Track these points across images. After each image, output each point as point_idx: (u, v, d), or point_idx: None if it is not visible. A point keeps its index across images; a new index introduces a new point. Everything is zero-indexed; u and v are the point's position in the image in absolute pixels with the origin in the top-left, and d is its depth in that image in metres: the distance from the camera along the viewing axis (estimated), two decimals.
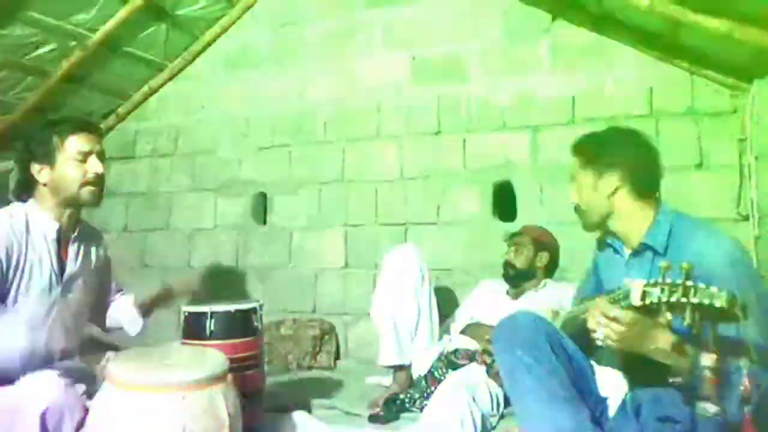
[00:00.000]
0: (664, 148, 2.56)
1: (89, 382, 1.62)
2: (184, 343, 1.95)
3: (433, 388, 2.08)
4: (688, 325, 1.15)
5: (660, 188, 1.54)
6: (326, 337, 3.09)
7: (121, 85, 3.64)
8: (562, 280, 2.48)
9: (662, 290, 1.15)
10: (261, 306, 2.06)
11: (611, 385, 1.54)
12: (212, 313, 1.93)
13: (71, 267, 1.81)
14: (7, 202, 1.80)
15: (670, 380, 1.28)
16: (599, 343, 1.31)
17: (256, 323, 2.02)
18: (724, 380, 1.18)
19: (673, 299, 1.14)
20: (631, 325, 1.24)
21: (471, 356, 2.14)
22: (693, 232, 1.41)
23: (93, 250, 1.93)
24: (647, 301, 1.17)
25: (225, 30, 3.57)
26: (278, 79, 3.45)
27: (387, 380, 2.42)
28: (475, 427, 1.81)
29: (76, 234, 1.83)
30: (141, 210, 3.73)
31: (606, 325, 1.27)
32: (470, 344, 2.22)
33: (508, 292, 2.44)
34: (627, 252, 1.53)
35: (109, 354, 1.69)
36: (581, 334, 1.47)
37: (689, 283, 1.14)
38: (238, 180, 3.51)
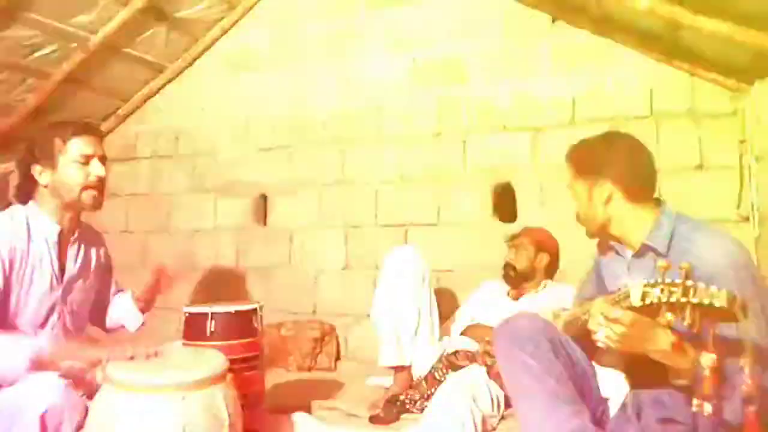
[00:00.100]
0: (664, 149, 2.63)
1: (89, 382, 1.62)
2: (184, 344, 1.95)
3: (433, 389, 2.08)
4: (688, 325, 1.15)
5: (656, 190, 1.53)
6: (326, 338, 3.09)
7: (122, 86, 3.64)
8: (563, 281, 2.48)
9: (662, 290, 1.15)
10: (261, 307, 2.06)
11: (612, 385, 1.54)
12: (212, 314, 1.93)
13: (71, 269, 1.82)
14: (8, 204, 1.80)
15: (673, 382, 1.28)
16: (600, 344, 1.31)
17: (256, 324, 2.02)
18: (724, 380, 1.18)
19: (673, 299, 1.15)
20: (631, 326, 1.24)
21: (471, 357, 2.14)
22: (694, 234, 1.41)
23: (93, 251, 1.94)
24: (647, 301, 1.17)
25: (225, 31, 3.58)
26: (278, 80, 3.46)
27: (387, 381, 2.42)
28: (476, 428, 1.81)
29: (76, 236, 1.84)
30: (141, 211, 3.73)
31: (607, 326, 1.27)
32: (471, 345, 2.22)
33: (508, 294, 2.45)
34: (629, 253, 1.53)
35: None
36: (582, 335, 1.47)
37: (689, 283, 1.14)
38: (239, 181, 3.51)
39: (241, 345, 1.94)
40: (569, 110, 2.87)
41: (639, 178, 1.50)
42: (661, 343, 1.25)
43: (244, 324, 1.98)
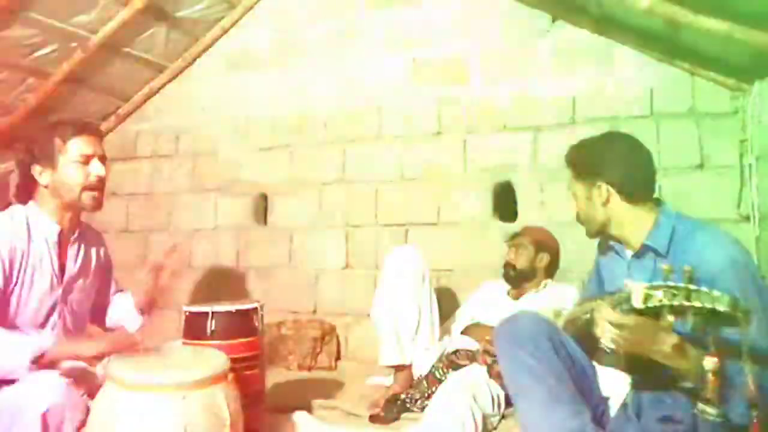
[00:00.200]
0: (664, 148, 2.63)
1: (90, 381, 1.62)
2: (184, 343, 1.95)
3: (434, 389, 2.08)
4: (690, 329, 1.15)
5: (656, 190, 1.54)
6: (327, 337, 3.09)
7: (122, 86, 3.64)
8: (563, 280, 2.48)
9: (664, 293, 1.15)
10: (262, 306, 2.06)
11: (612, 385, 1.55)
12: (213, 313, 1.93)
13: (71, 268, 1.82)
14: (8, 204, 1.80)
15: (678, 384, 1.27)
16: (607, 350, 1.30)
17: (256, 323, 2.02)
18: (727, 383, 1.18)
19: (675, 303, 1.14)
20: (637, 330, 1.23)
21: (472, 357, 2.14)
22: (695, 234, 1.41)
23: (93, 251, 1.94)
24: (649, 304, 1.17)
25: (226, 31, 3.57)
26: (279, 79, 3.45)
27: (388, 381, 2.42)
28: (476, 428, 1.81)
29: (76, 235, 1.84)
30: (141, 210, 3.73)
31: (611, 332, 1.25)
32: (471, 345, 2.22)
33: (508, 293, 2.45)
34: (628, 254, 1.53)
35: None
36: (583, 335, 1.47)
37: (692, 286, 1.13)
38: (239, 180, 3.51)
39: (242, 344, 1.94)
40: (569, 110, 2.87)
41: (637, 179, 1.50)
42: (663, 344, 1.24)
43: (244, 323, 1.98)
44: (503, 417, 1.98)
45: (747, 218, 2.53)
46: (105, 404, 1.42)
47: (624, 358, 1.44)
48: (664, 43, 2.63)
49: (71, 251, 1.82)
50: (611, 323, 1.25)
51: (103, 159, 1.79)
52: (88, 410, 1.47)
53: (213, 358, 1.60)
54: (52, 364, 1.52)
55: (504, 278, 2.44)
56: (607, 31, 2.80)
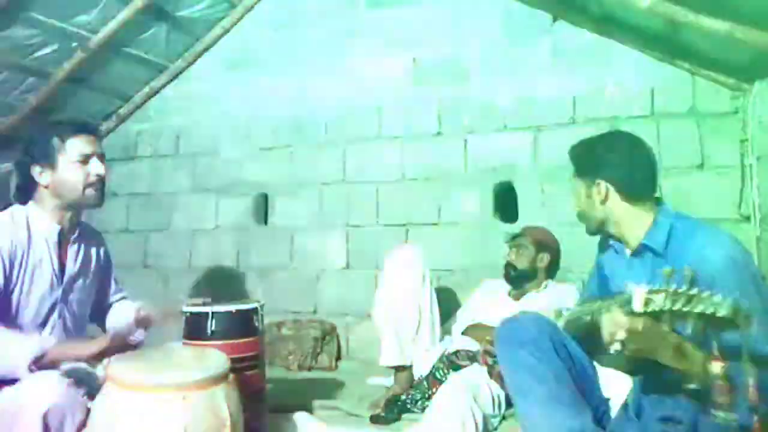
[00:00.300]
0: (665, 149, 2.63)
1: (91, 382, 1.62)
2: (185, 343, 1.94)
3: (434, 389, 2.08)
4: (691, 334, 1.14)
5: (656, 190, 1.53)
6: (327, 337, 3.09)
7: (122, 86, 3.64)
8: (564, 280, 2.48)
9: (665, 298, 1.14)
10: (262, 306, 2.06)
11: (613, 385, 1.54)
12: (213, 314, 1.93)
13: (71, 268, 1.82)
14: (8, 204, 1.80)
15: (684, 386, 1.26)
16: (614, 353, 1.29)
17: (257, 323, 2.02)
18: (734, 386, 1.17)
19: (676, 307, 1.13)
20: (644, 334, 1.22)
21: (472, 357, 2.14)
22: (693, 233, 1.40)
23: (93, 251, 1.94)
24: (650, 308, 1.16)
25: (226, 31, 3.57)
26: (279, 80, 3.45)
27: (388, 381, 2.42)
28: (477, 428, 1.81)
29: (76, 235, 1.84)
30: (142, 210, 3.73)
31: (620, 337, 1.24)
32: (472, 345, 2.22)
33: (509, 293, 2.44)
34: (627, 252, 1.53)
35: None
36: (584, 335, 1.47)
37: (693, 291, 1.12)
38: (239, 180, 3.51)
39: (242, 344, 1.93)
40: (570, 109, 2.87)
41: (637, 178, 1.50)
42: (667, 347, 1.23)
43: (244, 323, 1.98)
44: (504, 417, 1.98)
45: (747, 218, 2.53)
46: (105, 405, 1.42)
47: (629, 360, 1.44)
48: (664, 43, 2.63)
49: (71, 251, 1.82)
50: (618, 326, 1.23)
51: (101, 157, 1.79)
52: (88, 411, 1.46)
53: (213, 359, 1.59)
54: (52, 365, 1.52)
55: (505, 278, 2.43)
56: (608, 31, 2.80)
